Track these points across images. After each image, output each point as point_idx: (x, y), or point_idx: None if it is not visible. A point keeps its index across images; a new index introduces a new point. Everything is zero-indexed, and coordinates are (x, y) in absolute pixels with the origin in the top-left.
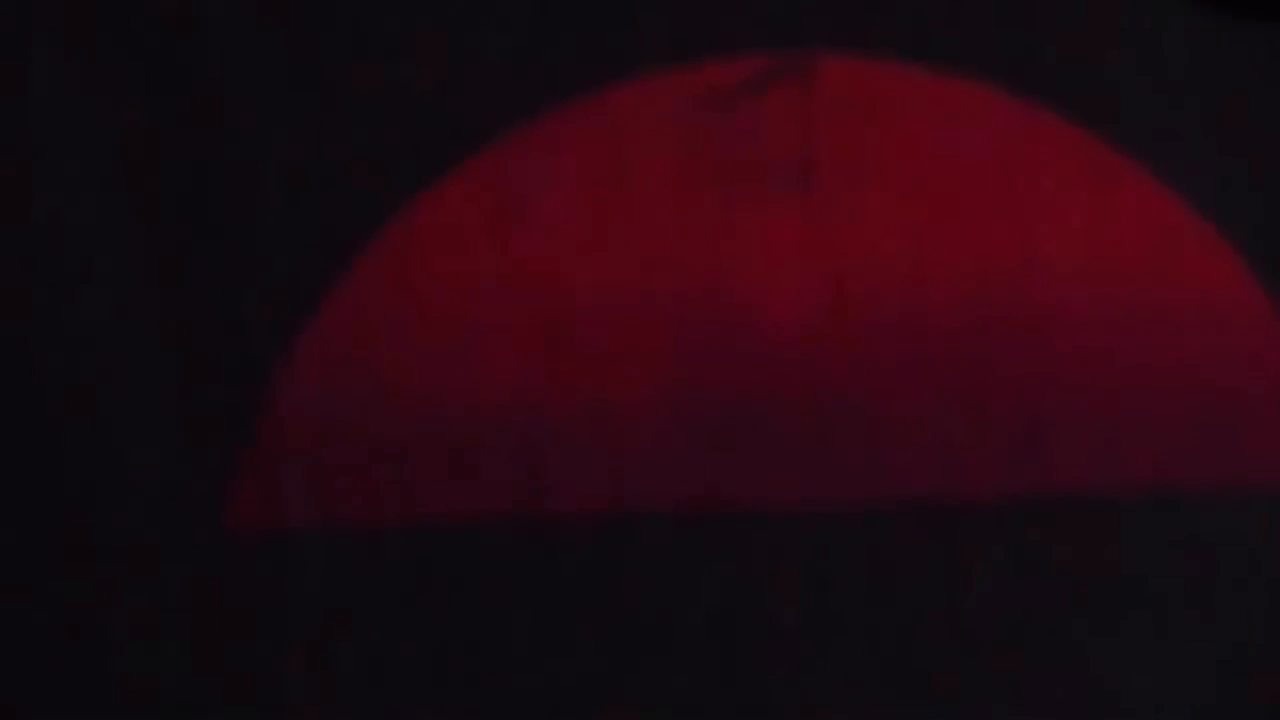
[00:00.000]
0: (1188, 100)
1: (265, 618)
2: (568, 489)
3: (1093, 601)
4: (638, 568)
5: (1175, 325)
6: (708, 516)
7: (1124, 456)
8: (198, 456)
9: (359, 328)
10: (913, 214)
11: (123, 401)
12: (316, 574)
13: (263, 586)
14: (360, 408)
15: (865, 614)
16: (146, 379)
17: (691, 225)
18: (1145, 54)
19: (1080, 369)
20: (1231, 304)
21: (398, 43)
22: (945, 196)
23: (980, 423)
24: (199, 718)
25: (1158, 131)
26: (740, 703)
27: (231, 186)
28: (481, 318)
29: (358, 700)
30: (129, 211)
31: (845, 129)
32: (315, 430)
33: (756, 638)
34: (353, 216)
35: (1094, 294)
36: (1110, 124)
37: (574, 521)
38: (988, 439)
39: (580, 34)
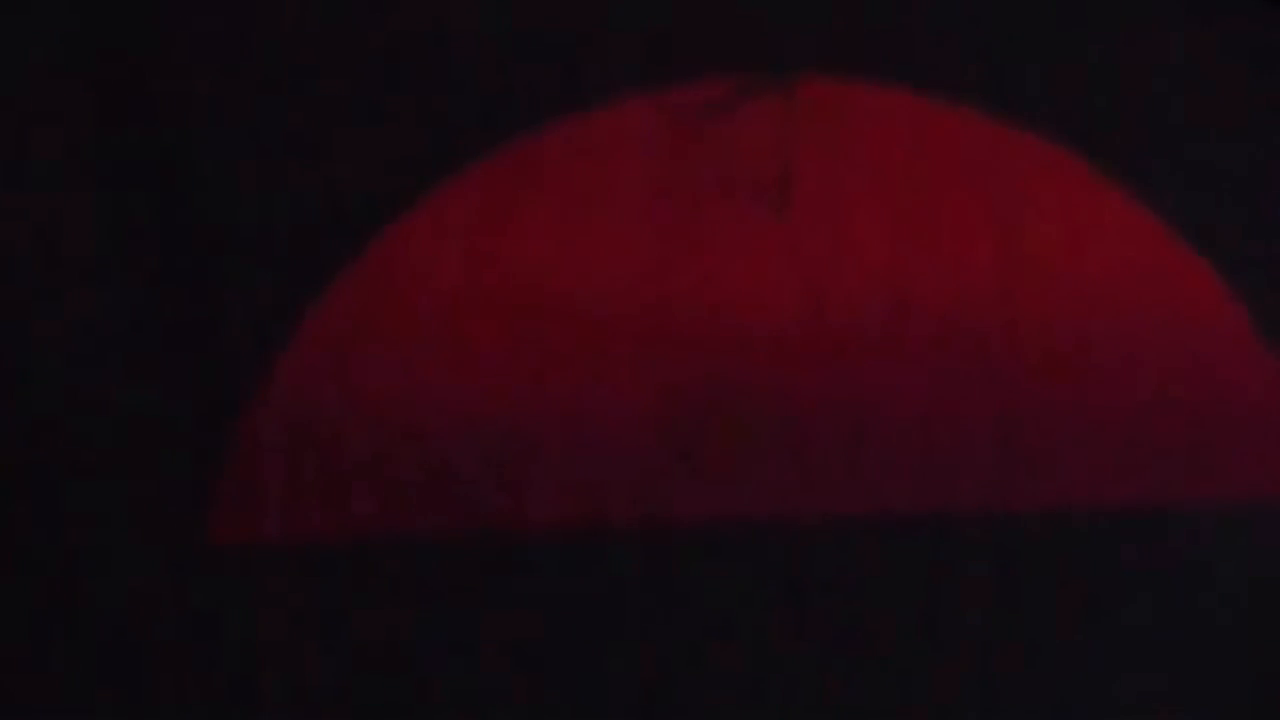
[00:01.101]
0: (1165, 119)
1: (243, 628)
2: (546, 500)
3: (1073, 615)
4: (615, 579)
5: (1153, 340)
6: (685, 528)
7: (1103, 470)
8: (179, 468)
9: (341, 341)
10: (892, 229)
11: (105, 412)
12: (294, 585)
13: (241, 597)
14: (340, 420)
15: (842, 626)
16: (130, 390)
17: (671, 240)
18: (1130, 77)
19: (1059, 383)
20: (1209, 320)
21: (388, 66)
22: (925, 212)
23: (960, 436)
24: None
25: (1137, 150)
26: (715, 712)
27: (217, 199)
28: (462, 332)
29: (334, 710)
30: (114, 221)
31: (825, 145)
32: (295, 443)
33: (733, 649)
34: (339, 230)
35: (1073, 309)
36: (1091, 143)
37: (551, 533)
38: (968, 452)
39: (562, 56)
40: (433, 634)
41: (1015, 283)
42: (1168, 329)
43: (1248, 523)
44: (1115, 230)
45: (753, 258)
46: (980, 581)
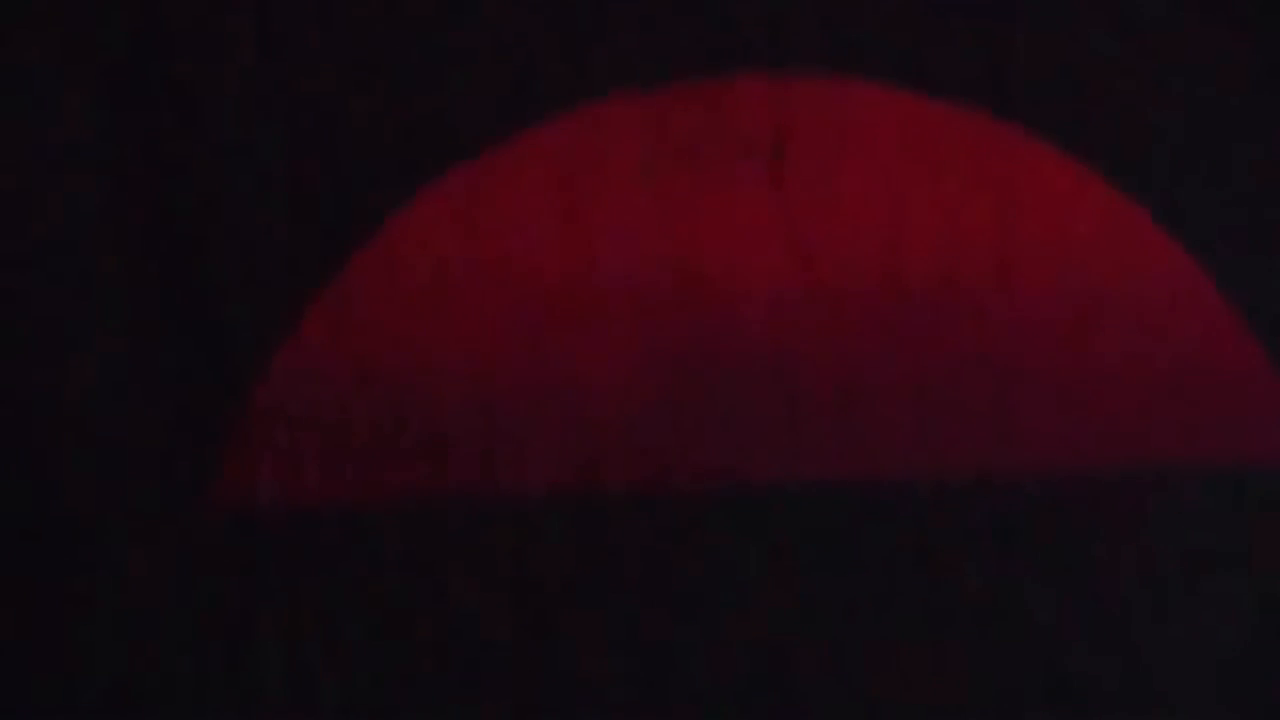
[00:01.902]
0: (1156, 112)
1: (245, 594)
2: (542, 467)
3: (1064, 578)
4: (610, 543)
5: (1132, 314)
6: (680, 492)
7: (1090, 435)
8: (185, 440)
9: (343, 315)
10: (885, 200)
11: (114, 387)
12: (296, 552)
13: (244, 564)
14: (343, 395)
15: (835, 590)
16: (138, 367)
17: (662, 207)
18: (1122, 77)
19: (1046, 352)
20: (1182, 295)
21: (393, 66)
22: (918, 186)
23: (951, 402)
24: (177, 696)
25: (1116, 138)
26: (710, 677)
27: (227, 188)
28: (460, 306)
29: (332, 676)
30: (126, 208)
31: (819, 125)
32: (298, 416)
33: (727, 613)
34: (345, 218)
35: (1059, 284)
36: (1087, 138)
37: (546, 499)
38: (959, 418)
39: (562, 52)
40: (430, 599)
41: (1006, 254)
42: (1145, 303)
43: (1228, 485)
44: (1098, 213)
45: (746, 226)
46: (974, 545)
